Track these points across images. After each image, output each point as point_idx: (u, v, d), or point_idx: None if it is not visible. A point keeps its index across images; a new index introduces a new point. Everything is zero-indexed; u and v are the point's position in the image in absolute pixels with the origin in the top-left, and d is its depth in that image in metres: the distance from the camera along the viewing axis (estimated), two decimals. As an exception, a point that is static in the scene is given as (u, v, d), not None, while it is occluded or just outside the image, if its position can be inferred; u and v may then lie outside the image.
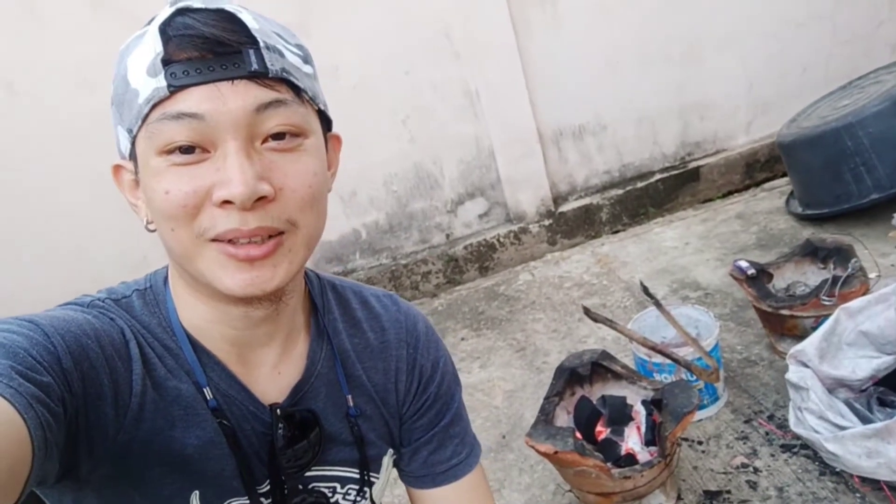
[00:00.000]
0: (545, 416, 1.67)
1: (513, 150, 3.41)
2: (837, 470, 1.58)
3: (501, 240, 3.50)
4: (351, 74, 3.17)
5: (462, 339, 2.85)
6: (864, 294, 1.89)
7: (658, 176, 3.61)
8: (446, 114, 3.34)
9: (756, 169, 3.66)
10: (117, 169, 0.70)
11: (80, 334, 0.63)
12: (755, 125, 3.69)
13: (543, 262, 3.42)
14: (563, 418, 1.75)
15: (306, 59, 0.68)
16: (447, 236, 3.57)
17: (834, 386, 1.61)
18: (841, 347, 1.62)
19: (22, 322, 0.61)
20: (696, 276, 2.78)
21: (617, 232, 3.56)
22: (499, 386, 2.42)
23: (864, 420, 1.51)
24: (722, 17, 3.45)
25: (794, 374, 1.60)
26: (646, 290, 2.08)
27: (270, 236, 0.63)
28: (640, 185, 3.59)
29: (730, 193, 3.63)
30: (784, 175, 3.34)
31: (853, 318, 1.61)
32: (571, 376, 1.80)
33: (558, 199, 3.60)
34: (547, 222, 3.52)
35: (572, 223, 3.56)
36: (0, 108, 2.86)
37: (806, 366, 1.61)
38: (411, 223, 3.50)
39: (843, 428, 1.44)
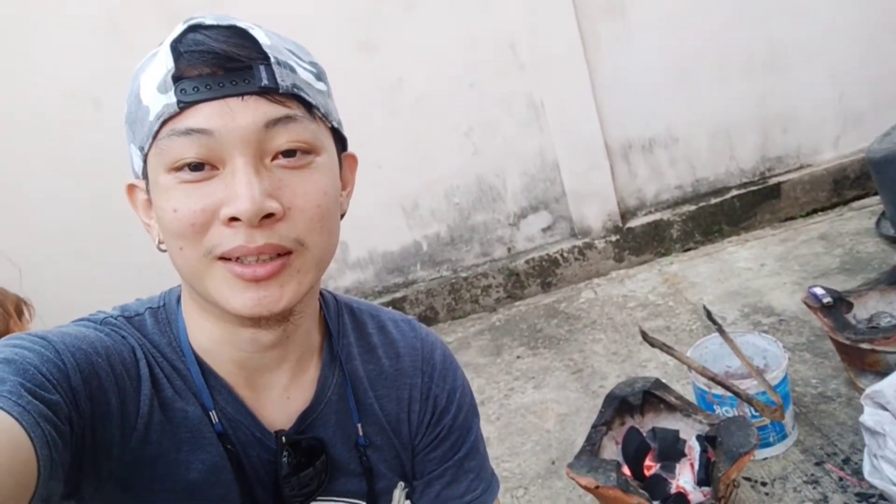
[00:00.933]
0: (591, 447, 1.59)
1: (578, 163, 3.32)
2: (919, 526, 1.42)
3: (565, 255, 3.41)
4: (415, 87, 3.18)
5: (518, 357, 2.78)
6: (958, 330, 1.71)
7: (734, 192, 3.42)
8: (510, 126, 3.29)
9: (844, 186, 3.40)
10: (131, 189, 0.70)
11: (90, 352, 0.63)
12: (844, 139, 3.43)
13: (608, 280, 3.30)
14: (611, 449, 1.66)
15: (319, 76, 0.66)
16: (509, 250, 3.51)
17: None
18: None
19: (34, 339, 0.61)
20: (771, 301, 2.60)
21: (688, 250, 3.40)
22: (552, 409, 2.34)
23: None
24: (809, 22, 3.24)
25: (869, 417, 1.45)
26: (709, 314, 1.96)
27: (278, 255, 0.61)
28: (713, 201, 3.41)
29: (814, 212, 3.38)
30: (876, 193, 3.08)
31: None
32: (622, 405, 1.71)
33: (626, 215, 3.48)
34: (613, 238, 3.40)
35: (640, 240, 3.42)
36: (88, 123, 3.04)
37: (884, 408, 1.46)
38: (473, 236, 3.47)
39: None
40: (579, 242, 3.41)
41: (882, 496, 1.54)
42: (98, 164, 3.11)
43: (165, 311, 0.75)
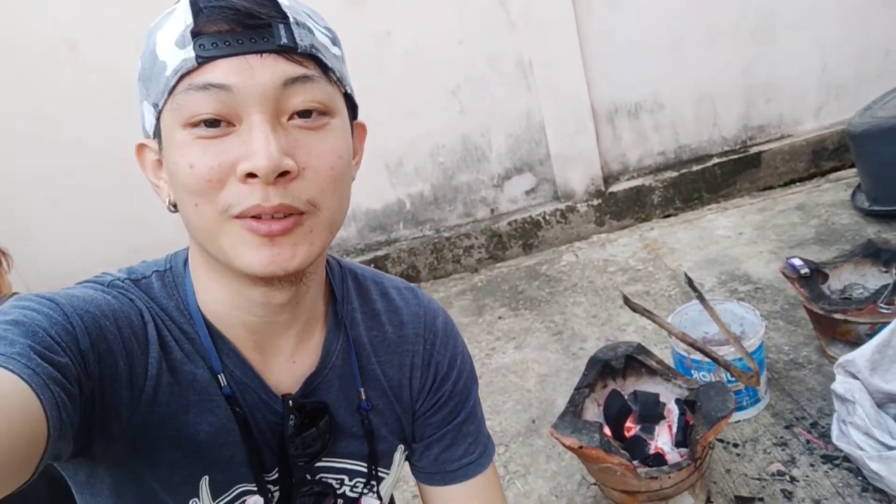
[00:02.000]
0: (574, 408, 1.63)
1: (565, 125, 3.32)
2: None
3: (547, 217, 3.44)
4: (403, 41, 3.12)
5: (499, 317, 2.83)
6: (927, 303, 1.78)
7: (716, 160, 3.46)
8: (498, 86, 3.26)
9: (823, 157, 3.46)
10: (140, 148, 0.69)
11: (98, 315, 0.63)
12: (826, 110, 3.47)
13: (589, 244, 3.34)
14: (593, 411, 1.72)
15: (335, 41, 0.66)
16: (492, 211, 3.52)
17: (884, 400, 1.52)
18: (895, 360, 1.52)
19: (42, 300, 0.61)
20: (748, 269, 2.67)
21: (668, 216, 3.45)
22: (533, 369, 2.39)
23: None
24: (799, -9, 3.24)
25: (840, 385, 1.52)
26: (690, 281, 2.01)
27: (291, 214, 0.61)
28: (695, 168, 3.45)
29: (792, 182, 3.45)
30: (853, 166, 3.14)
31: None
32: (604, 368, 1.75)
33: (609, 179, 3.50)
34: (596, 202, 3.43)
35: (622, 204, 3.46)
36: (63, 67, 2.93)
37: (855, 377, 1.52)
38: (456, 196, 3.47)
39: (889, 447, 1.36)
40: (562, 205, 3.43)
41: (846, 458, 1.62)
42: (73, 110, 3.02)
43: (172, 274, 0.74)
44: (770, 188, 3.45)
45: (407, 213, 3.47)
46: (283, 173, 0.59)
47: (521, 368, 2.41)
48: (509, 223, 3.43)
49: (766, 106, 3.45)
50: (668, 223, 3.35)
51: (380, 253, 3.43)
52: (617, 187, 3.46)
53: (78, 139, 3.06)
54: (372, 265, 3.40)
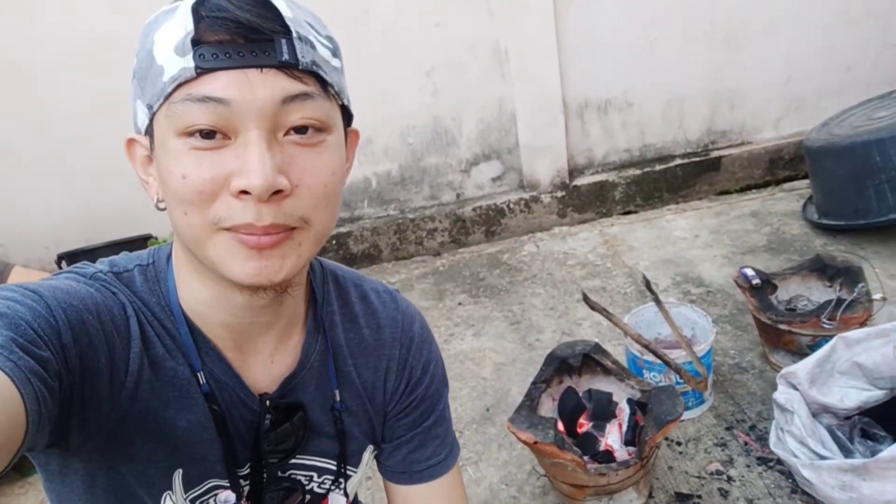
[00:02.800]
0: (530, 402, 1.68)
1: (536, 116, 3.34)
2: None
3: (511, 206, 3.47)
4: (381, 20, 3.08)
5: (459, 303, 2.86)
6: (865, 320, 1.88)
7: (678, 161, 3.55)
8: (473, 71, 3.26)
9: (779, 166, 3.59)
10: (131, 143, 0.68)
11: (81, 309, 0.63)
12: (785, 121, 3.59)
13: (550, 235, 3.40)
14: (548, 405, 1.77)
15: (335, 53, 0.66)
16: (457, 195, 3.54)
17: (819, 410, 1.62)
18: (833, 375, 1.62)
19: (26, 292, 0.60)
20: (701, 272, 2.77)
21: (628, 213, 3.53)
22: (489, 357, 2.44)
23: (844, 449, 1.52)
24: (772, 3, 3.32)
25: (781, 394, 1.61)
26: (647, 284, 2.07)
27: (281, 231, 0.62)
28: (658, 167, 3.53)
29: (748, 188, 3.57)
30: (806, 177, 3.27)
31: (850, 349, 1.60)
32: (561, 365, 1.81)
33: (574, 172, 3.56)
34: (560, 194, 3.48)
35: (585, 198, 3.52)
36: (27, 30, 2.80)
37: (795, 388, 1.61)
38: (423, 178, 3.47)
39: (821, 457, 1.45)
40: (526, 195, 3.47)
41: (779, 461, 1.73)
42: (33, 62, 2.89)
43: (155, 269, 0.74)
44: (727, 192, 3.57)
45: (373, 191, 3.46)
46: (277, 191, 0.59)
47: (478, 356, 2.46)
48: (474, 209, 3.46)
49: (730, 112, 3.55)
50: (627, 220, 3.43)
51: (342, 230, 3.42)
52: (581, 181, 3.52)
53: (33, 92, 2.93)
54: (334, 242, 3.38)
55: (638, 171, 3.53)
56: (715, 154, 3.56)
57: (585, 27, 3.22)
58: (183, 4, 0.58)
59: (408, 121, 3.32)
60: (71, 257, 2.99)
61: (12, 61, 2.86)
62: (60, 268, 2.99)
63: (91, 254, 2.95)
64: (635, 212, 3.54)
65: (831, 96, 3.48)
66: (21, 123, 2.98)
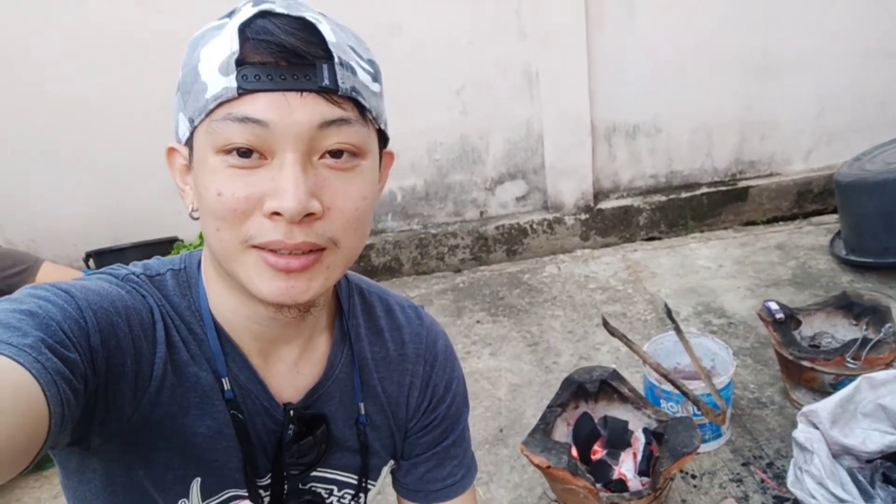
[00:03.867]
0: (545, 426, 1.68)
1: (563, 138, 3.35)
2: (826, 534, 1.57)
3: (534, 226, 3.47)
4: (413, 36, 3.12)
5: (477, 321, 2.86)
6: (892, 361, 1.85)
7: (705, 189, 3.53)
8: (502, 91, 3.28)
9: (807, 199, 3.54)
10: (171, 151, 0.70)
11: (111, 311, 0.64)
12: (816, 153, 3.56)
13: (572, 258, 3.39)
14: (563, 430, 1.76)
15: (376, 77, 0.67)
16: (481, 213, 3.55)
17: (840, 452, 1.59)
18: (856, 416, 1.59)
19: (58, 292, 0.62)
20: (724, 303, 2.74)
21: (652, 239, 3.51)
22: (505, 378, 2.43)
23: (864, 493, 1.49)
24: (805, 35, 3.30)
25: (801, 433, 1.58)
26: (668, 312, 2.06)
27: (311, 251, 0.63)
28: (684, 195, 3.51)
29: (775, 220, 3.53)
30: (835, 211, 3.23)
31: (875, 390, 1.57)
32: (578, 390, 1.80)
33: (599, 195, 3.55)
34: (584, 216, 3.48)
35: (609, 222, 3.51)
36: (67, 18, 2.88)
37: (816, 427, 1.59)
38: (448, 194, 3.48)
39: (840, 500, 1.42)
40: (550, 216, 3.47)
41: (795, 500, 1.69)
42: (70, 62, 2.96)
43: (186, 275, 0.75)
44: (753, 223, 3.53)
45: (397, 205, 3.48)
46: (309, 214, 0.60)
47: (494, 376, 2.45)
48: (497, 227, 3.46)
49: (759, 142, 3.52)
50: (651, 246, 3.41)
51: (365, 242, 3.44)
52: (606, 205, 3.51)
53: (65, 91, 3.00)
54: (356, 253, 3.40)
55: (663, 198, 3.51)
56: (742, 184, 3.53)
57: (617, 51, 3.23)
58: (230, 23, 0.60)
59: (435, 137, 3.34)
60: (98, 256, 3.04)
61: (46, 61, 2.94)
62: (88, 266, 3.05)
63: (118, 253, 3.00)
64: (659, 238, 3.52)
65: (863, 131, 3.44)
66: (54, 123, 3.05)
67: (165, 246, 3.04)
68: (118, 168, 3.13)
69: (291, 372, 0.79)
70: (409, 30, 3.10)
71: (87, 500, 0.73)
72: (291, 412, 0.77)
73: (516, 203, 3.54)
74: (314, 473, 0.82)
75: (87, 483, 0.72)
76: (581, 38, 3.14)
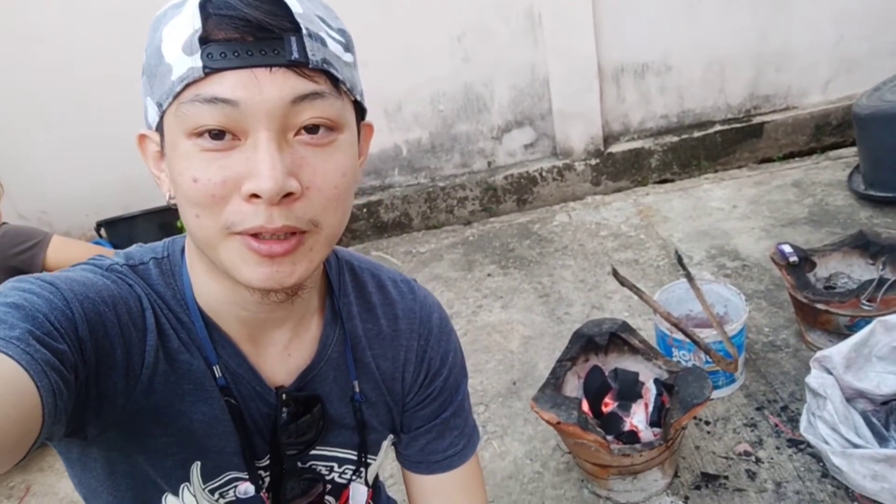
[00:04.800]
0: (555, 380, 1.68)
1: (570, 82, 3.25)
2: (839, 476, 1.57)
3: (544, 174, 3.42)
4: (410, -17, 3.01)
5: (488, 275, 2.85)
6: (908, 301, 1.81)
7: (718, 127, 3.42)
8: (505, 36, 3.17)
9: (825, 132, 3.43)
10: (142, 138, 0.68)
11: (98, 301, 0.64)
12: (834, 84, 3.42)
13: (583, 205, 3.34)
14: (573, 384, 1.76)
15: (347, 47, 0.64)
16: (489, 163, 3.49)
17: (854, 396, 1.58)
18: (870, 360, 1.56)
19: (43, 283, 0.61)
20: (738, 245, 2.69)
21: (664, 182, 3.44)
22: (517, 330, 2.43)
23: (879, 436, 1.48)
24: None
25: (814, 379, 1.56)
26: (679, 260, 2.02)
27: (293, 233, 0.61)
28: (696, 134, 3.42)
29: (791, 156, 3.43)
30: (853, 144, 3.12)
31: (890, 333, 1.54)
32: (588, 343, 1.79)
33: (609, 139, 3.47)
34: (594, 161, 3.41)
35: (620, 166, 3.44)
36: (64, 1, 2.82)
37: (829, 373, 1.57)
38: (454, 145, 3.43)
39: (854, 445, 1.42)
40: (559, 163, 3.40)
41: (810, 444, 1.69)
42: (68, 31, 2.91)
43: (169, 263, 0.74)
44: (769, 160, 3.44)
45: (403, 159, 3.43)
46: (287, 194, 0.58)
47: (505, 329, 2.46)
48: (505, 177, 3.41)
49: (775, 75, 3.39)
50: (663, 189, 3.35)
51: (373, 198, 3.41)
52: (616, 148, 3.43)
53: (72, 62, 2.96)
54: (365, 210, 3.38)
55: (675, 138, 3.42)
56: (757, 120, 3.42)
57: (623, -12, 3.10)
58: (191, 1, 0.57)
59: (438, 87, 3.26)
60: (109, 225, 3.06)
61: (51, 33, 2.89)
62: (100, 235, 3.07)
63: (129, 221, 3.02)
64: (671, 180, 3.45)
65: (885, 57, 3.29)
66: (61, 94, 3.03)
67: (174, 212, 3.02)
68: (125, 137, 3.08)
69: (283, 355, 0.78)
70: (405, -24, 2.99)
71: (91, 488, 0.74)
72: (284, 395, 0.76)
73: (524, 151, 3.47)
74: (313, 452, 0.83)
75: (90, 471, 0.73)
76: (584, -25, 3.01)
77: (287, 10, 0.56)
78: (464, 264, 2.98)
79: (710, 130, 3.42)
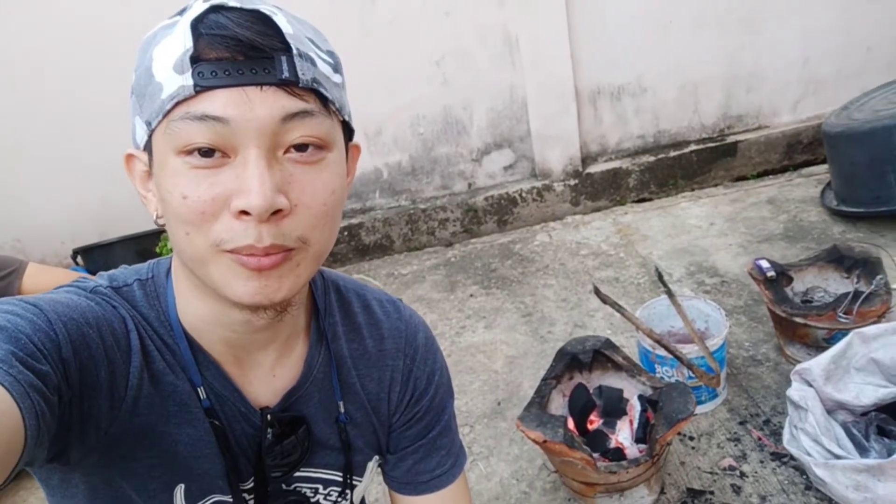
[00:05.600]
0: (540, 399, 1.68)
1: (547, 104, 3.30)
2: (823, 488, 1.58)
3: (524, 195, 3.45)
4: (389, 8, 3.05)
5: (471, 295, 2.85)
6: (884, 313, 1.85)
7: (693, 146, 3.49)
8: (483, 59, 3.22)
9: (796, 150, 3.51)
10: (130, 158, 0.68)
11: (82, 323, 0.63)
12: (803, 104, 3.51)
13: (563, 224, 3.37)
14: (558, 402, 1.77)
15: (336, 68, 0.65)
16: (469, 185, 3.51)
17: (834, 407, 1.60)
18: (849, 371, 1.59)
19: (26, 305, 0.60)
20: (716, 262, 2.73)
21: (642, 201, 3.49)
22: (501, 350, 2.43)
23: (860, 447, 1.50)
24: (788, -18, 3.23)
25: (795, 391, 1.58)
26: (660, 276, 2.05)
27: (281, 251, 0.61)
28: (672, 154, 3.48)
29: (765, 173, 3.50)
30: (824, 161, 3.20)
31: (867, 344, 1.57)
32: (572, 361, 1.79)
33: (587, 160, 3.51)
34: (572, 182, 3.45)
35: (598, 186, 3.48)
36: (37, 11, 2.80)
37: (809, 385, 1.59)
38: (434, 167, 3.45)
39: (836, 456, 1.43)
40: (539, 184, 3.44)
41: (793, 457, 1.70)
42: (44, 55, 2.90)
43: (154, 284, 0.74)
44: (743, 178, 3.51)
45: (384, 182, 3.45)
46: (276, 211, 0.59)
47: (489, 349, 2.46)
48: (485, 198, 3.43)
49: (746, 96, 3.48)
50: (641, 208, 3.39)
51: (354, 221, 3.42)
52: (594, 168, 3.48)
53: (46, 88, 2.94)
54: (346, 233, 3.38)
55: (652, 158, 3.48)
56: (731, 139, 3.50)
57: (597, 12, 3.17)
58: (182, 20, 0.58)
59: (418, 110, 3.29)
60: (86, 252, 3.02)
61: (25, 58, 2.87)
62: (76, 262, 3.03)
63: (106, 248, 2.98)
64: (649, 199, 3.50)
65: (851, 77, 3.39)
66: (36, 120, 3.00)
67: (153, 238, 3.01)
68: (101, 164, 3.08)
69: (268, 376, 0.78)
70: (384, 2, 3.03)
71: None
72: (269, 416, 0.76)
73: (504, 172, 3.51)
74: (298, 474, 0.82)
75: (71, 498, 0.71)
76: (560, 0, 3.07)
77: (278, 31, 0.57)
78: (446, 285, 2.99)
79: (686, 150, 3.48)
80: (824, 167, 3.24)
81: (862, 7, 3.31)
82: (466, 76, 3.24)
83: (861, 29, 3.35)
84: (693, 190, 3.50)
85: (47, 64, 2.91)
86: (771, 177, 3.46)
